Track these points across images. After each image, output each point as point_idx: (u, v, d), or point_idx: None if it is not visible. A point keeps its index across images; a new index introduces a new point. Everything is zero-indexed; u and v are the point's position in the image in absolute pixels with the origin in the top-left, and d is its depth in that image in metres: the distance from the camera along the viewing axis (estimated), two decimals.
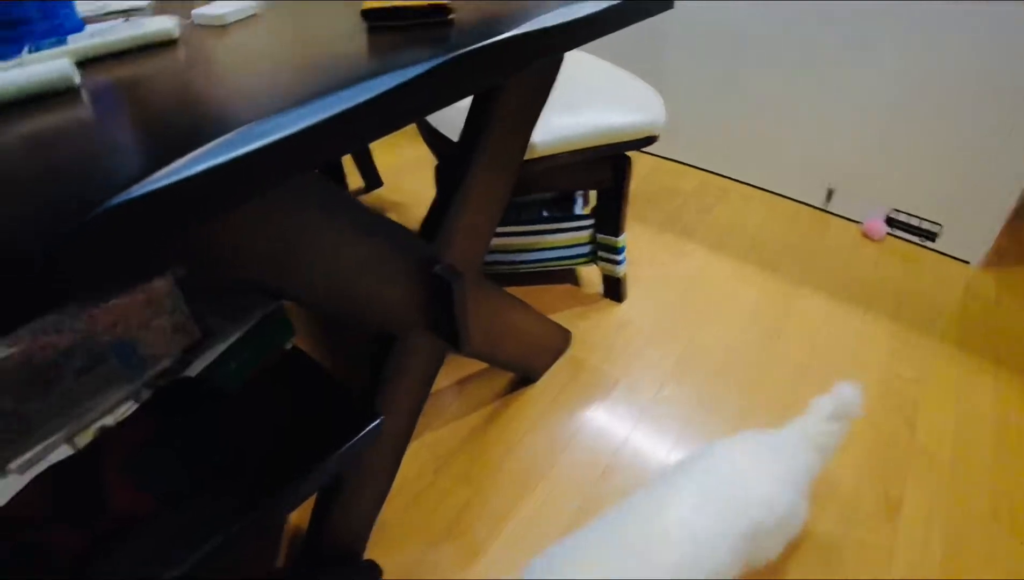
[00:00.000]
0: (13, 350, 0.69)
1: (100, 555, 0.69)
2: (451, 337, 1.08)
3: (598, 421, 1.42)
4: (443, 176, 1.41)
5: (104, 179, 0.49)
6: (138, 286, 0.75)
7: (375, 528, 1.22)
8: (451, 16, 0.79)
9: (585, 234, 1.59)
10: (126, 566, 0.69)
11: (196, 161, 0.50)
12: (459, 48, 0.69)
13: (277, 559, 0.98)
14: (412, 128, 2.52)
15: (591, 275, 1.81)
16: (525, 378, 1.51)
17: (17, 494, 0.71)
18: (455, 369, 1.54)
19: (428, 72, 0.66)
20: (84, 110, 0.64)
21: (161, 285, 0.76)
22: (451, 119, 1.31)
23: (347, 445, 0.78)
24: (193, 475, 0.75)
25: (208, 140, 0.52)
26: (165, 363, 0.83)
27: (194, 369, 0.84)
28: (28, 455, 0.75)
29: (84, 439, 0.78)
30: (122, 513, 0.71)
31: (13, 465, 0.75)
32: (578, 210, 1.64)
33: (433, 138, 1.38)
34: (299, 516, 1.20)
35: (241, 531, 0.73)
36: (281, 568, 1.09)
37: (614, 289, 1.70)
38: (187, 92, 0.66)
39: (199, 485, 0.75)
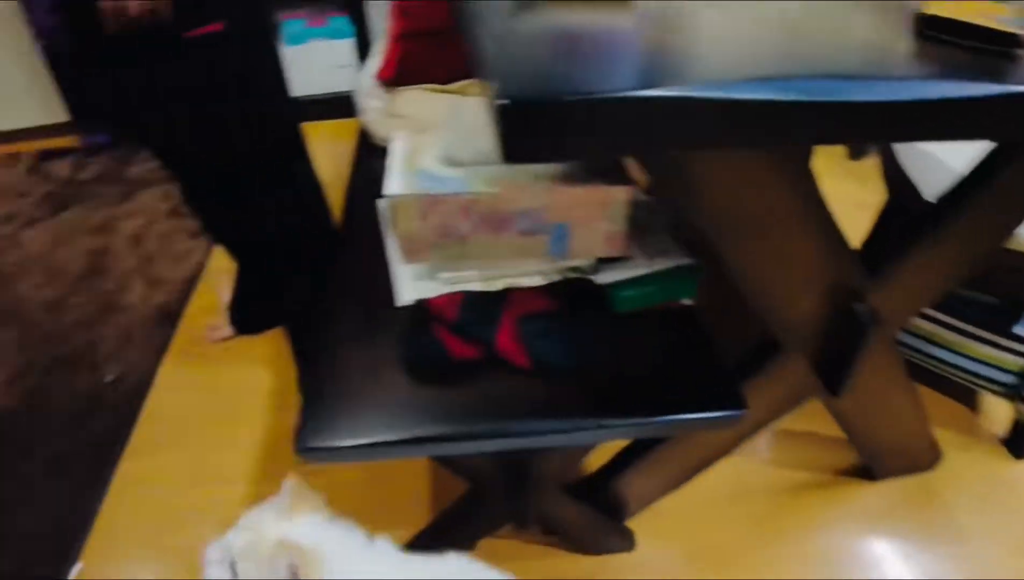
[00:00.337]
0: (492, 192, 0.81)
1: (474, 375, 0.79)
2: (831, 381, 1.00)
3: (914, 569, 1.21)
4: (896, 221, 1.30)
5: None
6: (602, 184, 0.82)
7: (650, 506, 1.22)
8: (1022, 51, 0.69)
9: (1016, 361, 1.34)
10: (489, 397, 0.78)
11: (696, 88, 0.51)
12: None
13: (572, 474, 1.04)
14: (842, 166, 2.36)
15: (995, 409, 1.53)
16: (865, 469, 1.35)
17: (440, 297, 0.84)
18: (801, 415, 1.44)
19: (976, 99, 0.59)
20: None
21: (620, 193, 0.82)
22: (923, 168, 1.19)
23: (703, 415, 0.78)
24: (563, 360, 0.81)
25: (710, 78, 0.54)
26: (581, 261, 0.90)
27: (599, 278, 0.89)
28: (456, 274, 0.88)
29: (493, 285, 0.89)
30: (500, 355, 0.80)
31: (442, 276, 0.89)
32: (1019, 330, 1.38)
33: (899, 183, 1.26)
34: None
35: (573, 431, 0.78)
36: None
37: (1018, 442, 1.42)
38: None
39: (566, 372, 0.81)
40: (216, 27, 1.02)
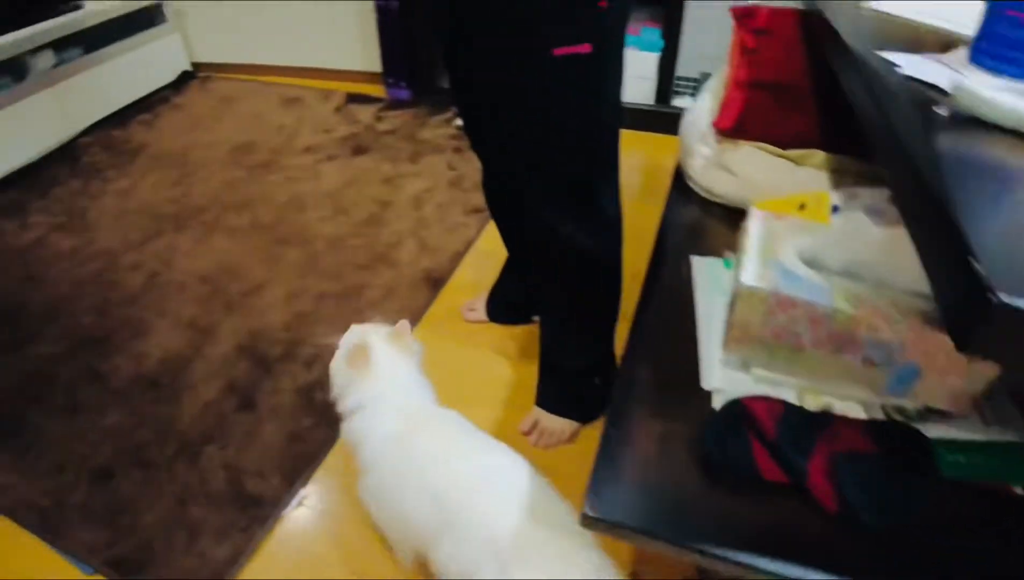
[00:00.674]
0: (851, 313, 0.73)
1: (771, 498, 0.74)
2: None
3: None
4: None
5: None
6: None
7: None
8: None
9: None
10: (779, 527, 0.72)
11: None
12: None
13: None
14: None
15: None
16: None
17: (758, 402, 0.78)
18: None
19: None
20: None
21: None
22: None
23: None
24: (874, 516, 0.73)
25: None
26: (912, 405, 0.80)
27: (928, 430, 0.79)
28: (772, 375, 0.82)
29: (808, 400, 0.82)
30: (809, 485, 0.74)
31: (756, 371, 0.83)
32: None
33: None
34: None
35: None
36: None
37: None
38: None
39: (873, 528, 0.72)
40: (584, 48, 1.02)
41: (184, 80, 3.20)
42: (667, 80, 2.45)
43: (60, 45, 2.59)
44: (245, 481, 1.42)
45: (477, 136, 1.35)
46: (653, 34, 2.39)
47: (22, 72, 2.49)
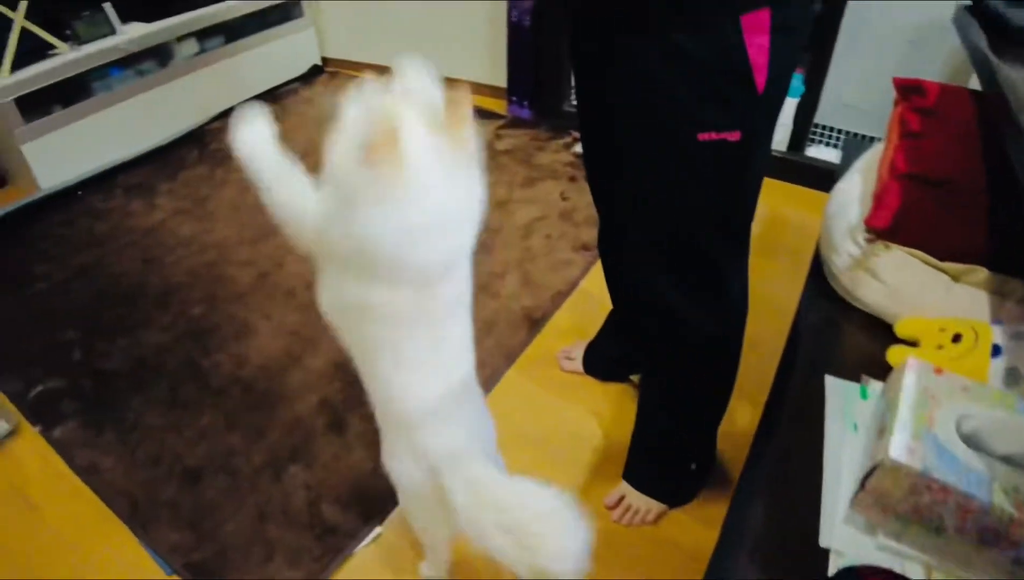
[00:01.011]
0: (1013, 514, 0.63)
1: None
2: None
3: None
4: None
5: None
6: None
7: None
8: None
9: None
10: None
11: None
12: None
13: None
14: None
15: None
16: None
17: (876, 571, 0.70)
18: None
19: None
20: None
21: None
22: None
23: None
24: None
25: None
26: None
27: None
28: (898, 546, 0.73)
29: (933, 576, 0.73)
30: None
31: (881, 539, 0.74)
32: None
33: None
34: None
35: None
36: None
37: None
38: None
39: None
40: (733, 136, 0.94)
41: (313, 74, 3.27)
42: (804, 128, 2.30)
43: (204, 34, 2.70)
44: (324, 507, 1.43)
45: (599, 187, 1.28)
46: (795, 79, 2.25)
47: (167, 58, 2.60)
